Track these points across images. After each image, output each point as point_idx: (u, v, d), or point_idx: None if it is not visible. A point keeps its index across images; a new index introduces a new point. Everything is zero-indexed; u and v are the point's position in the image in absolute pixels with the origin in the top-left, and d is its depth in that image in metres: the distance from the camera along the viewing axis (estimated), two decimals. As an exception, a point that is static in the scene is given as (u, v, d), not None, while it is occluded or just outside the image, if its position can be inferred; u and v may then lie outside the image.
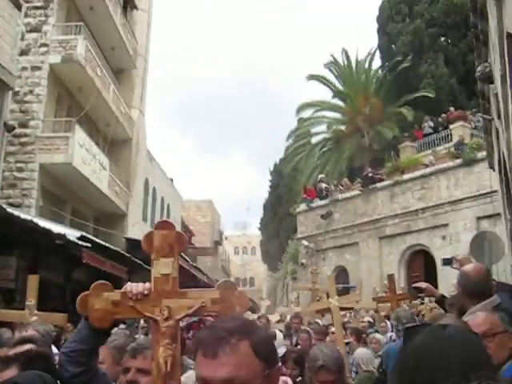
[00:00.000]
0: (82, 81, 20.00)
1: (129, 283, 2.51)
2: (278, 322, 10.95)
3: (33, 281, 5.94)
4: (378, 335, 8.75)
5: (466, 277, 3.76)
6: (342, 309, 8.44)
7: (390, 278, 9.71)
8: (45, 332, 4.04)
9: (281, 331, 9.01)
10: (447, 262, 4.47)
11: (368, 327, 10.80)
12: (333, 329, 9.33)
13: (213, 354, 1.44)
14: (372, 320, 11.94)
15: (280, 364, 5.74)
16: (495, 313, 2.97)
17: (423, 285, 5.21)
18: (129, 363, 2.93)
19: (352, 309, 12.77)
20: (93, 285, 2.52)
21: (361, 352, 7.02)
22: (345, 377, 3.58)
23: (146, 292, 2.42)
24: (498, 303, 3.57)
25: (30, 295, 5.83)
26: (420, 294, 5.21)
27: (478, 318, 2.90)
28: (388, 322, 10.30)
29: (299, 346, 8.06)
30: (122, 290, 2.46)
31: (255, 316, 11.54)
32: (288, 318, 10.98)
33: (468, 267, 3.95)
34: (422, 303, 12.26)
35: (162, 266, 2.47)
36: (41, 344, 3.37)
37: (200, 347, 1.49)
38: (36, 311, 5.59)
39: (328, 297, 11.88)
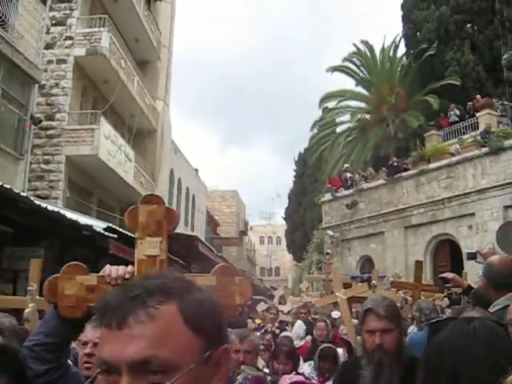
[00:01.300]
0: (106, 73, 20.16)
1: (107, 265, 2.19)
2: (288, 312, 10.69)
3: (35, 265, 5.61)
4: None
5: (491, 268, 3.70)
6: (357, 298, 8.11)
7: (418, 264, 8.90)
8: (10, 325, 3.41)
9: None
10: (471, 256, 4.38)
11: None
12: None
13: (119, 323, 0.96)
14: None
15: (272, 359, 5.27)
16: None
17: (450, 275, 5.14)
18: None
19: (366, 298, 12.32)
20: (64, 266, 2.15)
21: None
22: (401, 332, 3.03)
23: (127, 276, 2.08)
24: None
25: (33, 280, 5.49)
26: (447, 285, 5.10)
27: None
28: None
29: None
30: (100, 273, 2.13)
31: (264, 306, 11.39)
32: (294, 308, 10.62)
33: (494, 258, 3.89)
34: (450, 294, 11.78)
35: (148, 246, 2.12)
36: (7, 336, 3.00)
37: (102, 314, 1.00)
38: (38, 297, 5.27)
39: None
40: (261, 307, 13.16)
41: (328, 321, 8.16)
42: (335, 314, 10.21)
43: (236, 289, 2.04)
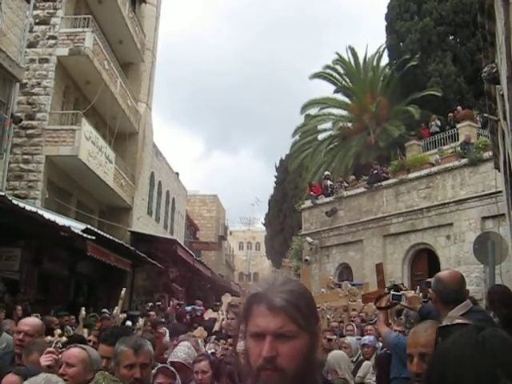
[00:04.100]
0: (89, 74, 20.07)
1: None
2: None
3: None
4: (348, 339, 7.76)
5: (441, 283, 3.79)
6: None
7: (379, 267, 8.13)
8: None
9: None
10: (396, 297, 4.37)
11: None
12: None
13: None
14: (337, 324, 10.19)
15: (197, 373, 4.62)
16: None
17: (409, 294, 5.12)
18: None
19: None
20: None
21: (337, 355, 6.13)
22: (313, 340, 1.99)
23: None
24: (470, 308, 3.61)
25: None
26: (394, 300, 4.97)
27: None
28: (354, 325, 9.52)
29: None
30: None
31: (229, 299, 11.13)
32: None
33: (443, 273, 3.99)
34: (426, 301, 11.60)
35: None
36: None
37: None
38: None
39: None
40: (226, 298, 13.15)
41: None
42: None
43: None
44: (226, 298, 13.62)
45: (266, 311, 1.55)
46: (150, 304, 19.12)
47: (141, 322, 7.43)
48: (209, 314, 12.50)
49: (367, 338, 7.62)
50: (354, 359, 6.91)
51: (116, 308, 8.42)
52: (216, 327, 10.35)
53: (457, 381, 1.22)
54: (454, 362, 1.26)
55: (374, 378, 6.41)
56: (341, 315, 11.48)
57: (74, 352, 3.45)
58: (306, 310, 1.58)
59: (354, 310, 11.62)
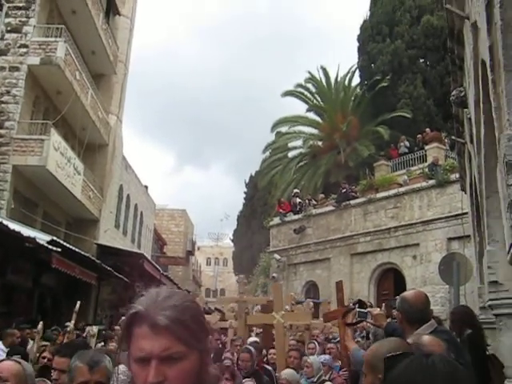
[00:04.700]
0: (60, 84, 19.89)
1: None
2: None
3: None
4: (311, 358, 7.49)
5: (406, 303, 3.83)
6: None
7: (338, 285, 7.99)
8: None
9: None
10: (362, 315, 4.38)
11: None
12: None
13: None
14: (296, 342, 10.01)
15: None
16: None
17: (375, 311, 5.10)
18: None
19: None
20: None
21: (287, 373, 6.28)
22: (203, 358, 1.83)
23: None
24: (435, 328, 3.65)
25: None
26: (360, 318, 4.93)
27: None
28: (316, 343, 9.41)
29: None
30: None
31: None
32: None
33: (408, 293, 4.03)
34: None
35: None
36: None
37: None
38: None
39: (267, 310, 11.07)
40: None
41: (253, 350, 7.33)
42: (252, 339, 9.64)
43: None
44: None
45: (148, 332, 1.39)
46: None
47: (94, 329, 7.28)
48: None
49: (323, 357, 7.50)
50: (315, 379, 6.75)
51: (71, 322, 8.30)
52: None
53: None
54: None
55: None
56: (302, 333, 11.36)
57: (7, 365, 3.26)
58: (193, 326, 1.43)
59: (315, 328, 11.50)
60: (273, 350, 8.57)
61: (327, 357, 7.68)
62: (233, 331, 10.27)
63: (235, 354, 7.58)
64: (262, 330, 11.62)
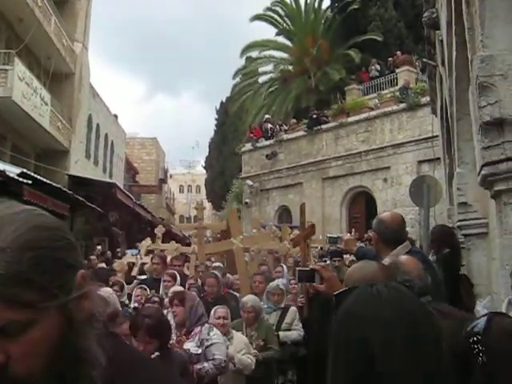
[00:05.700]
0: (21, 10, 19.13)
1: None
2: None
3: None
4: (282, 282, 7.16)
5: (382, 224, 3.84)
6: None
7: (301, 208, 8.04)
8: None
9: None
10: (333, 240, 4.42)
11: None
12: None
13: None
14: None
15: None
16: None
17: (345, 236, 5.18)
18: None
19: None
20: None
21: (251, 299, 6.05)
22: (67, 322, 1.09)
23: None
24: (409, 248, 3.71)
25: None
26: (339, 247, 5.04)
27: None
28: (284, 266, 9.45)
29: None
30: None
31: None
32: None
33: (384, 215, 4.04)
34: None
35: None
36: None
37: None
38: None
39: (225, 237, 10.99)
40: (159, 230, 13.02)
41: (219, 274, 7.22)
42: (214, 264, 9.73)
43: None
44: (159, 231, 13.46)
45: None
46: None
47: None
48: (127, 258, 12.09)
49: (280, 281, 7.22)
50: (282, 305, 6.53)
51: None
52: (134, 272, 10.16)
53: (362, 335, 1.26)
54: (355, 318, 1.30)
55: (301, 325, 6.40)
56: (265, 258, 11.35)
57: None
58: (44, 269, 0.92)
59: (276, 252, 11.51)
60: (236, 276, 8.58)
61: (284, 281, 7.71)
62: (195, 257, 10.29)
63: (198, 280, 7.60)
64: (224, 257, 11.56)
